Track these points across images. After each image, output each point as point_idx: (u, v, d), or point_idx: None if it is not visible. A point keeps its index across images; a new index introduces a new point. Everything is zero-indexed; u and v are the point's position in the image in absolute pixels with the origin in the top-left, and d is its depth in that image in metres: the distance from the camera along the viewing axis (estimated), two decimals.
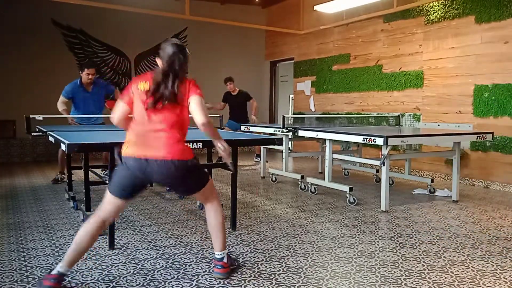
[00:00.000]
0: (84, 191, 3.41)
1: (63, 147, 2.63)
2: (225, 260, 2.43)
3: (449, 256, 2.83)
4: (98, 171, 5.26)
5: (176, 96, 2.21)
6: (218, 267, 2.42)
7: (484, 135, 4.48)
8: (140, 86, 2.25)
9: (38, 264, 2.58)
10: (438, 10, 5.99)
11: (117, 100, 2.37)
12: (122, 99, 2.32)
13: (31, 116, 4.44)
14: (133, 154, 2.21)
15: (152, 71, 2.32)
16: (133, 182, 2.26)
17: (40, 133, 4.13)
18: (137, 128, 2.26)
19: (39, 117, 4.75)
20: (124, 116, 2.32)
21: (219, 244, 2.45)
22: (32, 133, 4.19)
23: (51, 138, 3.30)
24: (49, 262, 2.62)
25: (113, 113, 2.34)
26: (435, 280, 2.42)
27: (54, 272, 2.14)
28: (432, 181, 5.03)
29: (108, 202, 2.27)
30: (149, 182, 2.40)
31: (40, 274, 2.42)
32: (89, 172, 3.53)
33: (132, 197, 2.35)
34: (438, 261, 2.73)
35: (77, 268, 2.53)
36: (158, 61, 2.30)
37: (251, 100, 7.47)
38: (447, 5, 5.88)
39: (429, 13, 6.12)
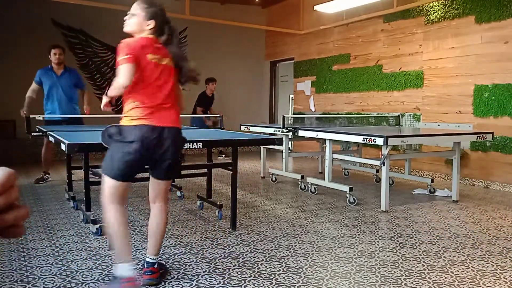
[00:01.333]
0: (84, 191, 3.42)
1: (63, 147, 2.62)
2: (156, 265, 2.33)
3: (449, 256, 2.84)
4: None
5: None
6: (148, 273, 2.30)
7: (484, 135, 4.48)
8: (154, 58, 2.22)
9: (38, 264, 2.58)
10: (438, 10, 5.99)
11: (120, 63, 2.09)
12: (129, 61, 2.06)
13: (31, 116, 4.44)
14: (149, 123, 2.15)
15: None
16: (140, 160, 2.16)
17: (40, 133, 4.13)
18: (151, 97, 2.20)
19: (39, 117, 4.75)
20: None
21: (158, 248, 2.35)
22: (32, 133, 4.19)
23: (51, 138, 3.30)
24: (49, 262, 2.62)
25: (121, 77, 2.03)
26: (435, 280, 2.42)
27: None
28: (432, 181, 5.03)
29: (123, 190, 2.19)
30: (150, 159, 2.23)
31: (40, 274, 2.42)
32: (89, 172, 3.53)
33: (133, 178, 2.28)
34: (438, 261, 2.73)
35: (77, 268, 2.53)
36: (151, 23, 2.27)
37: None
38: (447, 5, 5.88)
39: (429, 13, 6.12)
